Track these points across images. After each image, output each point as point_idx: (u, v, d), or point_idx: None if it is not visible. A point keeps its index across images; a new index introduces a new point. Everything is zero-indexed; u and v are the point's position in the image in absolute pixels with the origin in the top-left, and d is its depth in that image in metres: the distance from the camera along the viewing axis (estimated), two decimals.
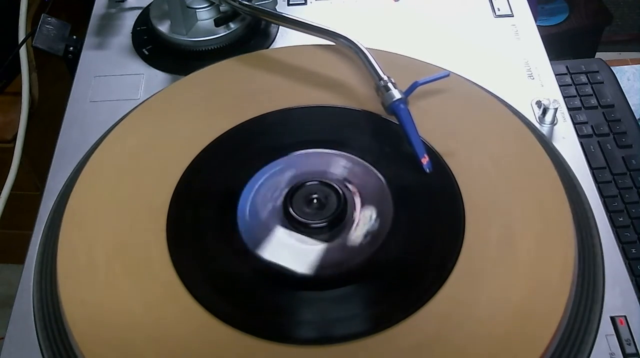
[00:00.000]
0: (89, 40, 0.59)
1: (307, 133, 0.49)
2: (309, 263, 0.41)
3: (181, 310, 0.39)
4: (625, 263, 0.43)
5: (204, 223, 0.44)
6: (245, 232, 0.43)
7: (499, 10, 0.60)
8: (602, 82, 0.65)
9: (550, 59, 0.55)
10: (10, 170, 0.57)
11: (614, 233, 0.44)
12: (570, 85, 0.64)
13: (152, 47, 0.58)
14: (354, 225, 0.43)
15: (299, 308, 0.40)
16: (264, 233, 0.43)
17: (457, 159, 0.46)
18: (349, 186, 0.45)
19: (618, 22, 1.43)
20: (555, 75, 0.54)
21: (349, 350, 0.37)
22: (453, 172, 0.45)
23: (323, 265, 0.41)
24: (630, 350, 0.39)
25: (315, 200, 0.44)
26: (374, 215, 0.43)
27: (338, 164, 0.47)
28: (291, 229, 0.43)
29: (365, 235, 0.42)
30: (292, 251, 0.42)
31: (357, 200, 0.44)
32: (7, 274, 1.15)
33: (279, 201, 0.44)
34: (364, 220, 0.43)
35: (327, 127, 0.49)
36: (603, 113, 0.63)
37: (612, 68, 0.66)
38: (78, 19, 0.65)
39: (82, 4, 0.67)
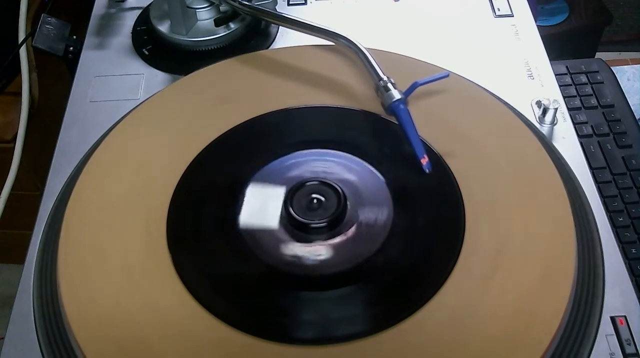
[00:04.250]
0: (89, 40, 0.59)
1: (307, 133, 0.49)
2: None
3: (181, 310, 0.39)
4: (625, 263, 0.43)
5: (204, 223, 0.44)
6: (245, 231, 0.43)
7: (499, 10, 0.60)
8: (602, 82, 0.65)
9: (550, 59, 0.55)
10: (10, 170, 0.57)
11: (614, 233, 0.44)
12: (570, 85, 0.64)
13: (152, 47, 0.58)
14: (358, 216, 0.43)
15: (300, 308, 0.40)
16: (264, 233, 0.43)
17: (457, 159, 0.46)
18: (342, 180, 0.45)
19: (618, 22, 1.43)
20: (555, 75, 0.54)
21: (349, 350, 0.37)
22: (453, 172, 0.45)
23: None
24: (630, 350, 0.39)
25: (315, 200, 0.44)
26: (374, 202, 0.44)
27: (338, 164, 0.47)
28: (291, 229, 0.43)
29: (373, 223, 0.43)
30: (290, 250, 0.42)
31: (354, 192, 0.44)
32: (7, 274, 1.15)
33: (279, 201, 0.44)
34: (366, 209, 0.44)
35: (327, 127, 0.49)
36: (603, 113, 0.62)
37: (612, 68, 0.66)
38: (78, 19, 0.65)
39: (82, 4, 0.66)
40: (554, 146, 0.49)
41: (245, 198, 0.45)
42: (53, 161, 0.50)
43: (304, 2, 0.62)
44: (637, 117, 0.63)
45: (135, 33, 0.59)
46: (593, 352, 0.39)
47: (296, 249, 0.42)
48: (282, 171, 0.46)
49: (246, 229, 0.43)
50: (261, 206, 0.44)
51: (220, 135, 0.48)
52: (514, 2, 0.61)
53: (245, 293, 0.41)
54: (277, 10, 0.57)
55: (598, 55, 1.23)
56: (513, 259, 0.41)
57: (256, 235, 0.43)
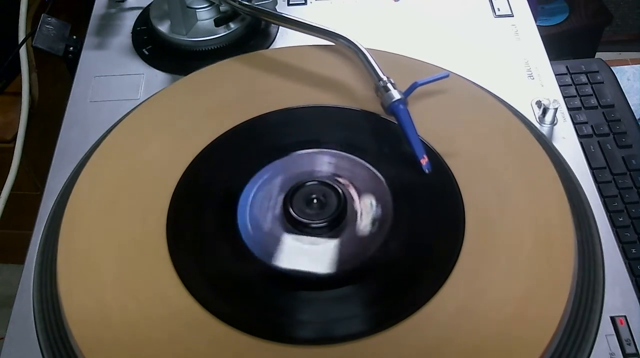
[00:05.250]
0: (89, 40, 0.59)
1: (307, 133, 0.49)
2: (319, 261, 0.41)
3: (181, 310, 0.39)
4: (625, 263, 0.43)
5: (204, 223, 0.44)
6: (245, 232, 0.43)
7: (499, 10, 0.60)
8: (602, 82, 0.65)
9: (550, 59, 0.55)
10: (10, 170, 0.57)
11: (614, 233, 0.44)
12: (570, 85, 0.64)
13: (152, 47, 0.58)
14: (358, 216, 0.43)
15: (300, 308, 0.40)
16: (264, 233, 0.43)
17: (457, 159, 0.46)
18: (342, 180, 0.45)
19: (618, 22, 1.43)
20: (555, 75, 0.54)
21: (349, 350, 0.37)
22: (453, 172, 0.45)
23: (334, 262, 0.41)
24: (630, 350, 0.39)
25: (315, 200, 0.44)
26: (374, 202, 0.43)
27: (338, 164, 0.47)
28: (291, 229, 0.43)
29: (373, 223, 0.42)
30: (290, 251, 0.42)
31: (354, 192, 0.44)
32: (7, 274, 1.15)
33: (279, 201, 0.44)
34: (366, 209, 0.43)
35: (327, 127, 0.49)
36: (603, 113, 0.62)
37: (612, 68, 0.66)
38: (78, 19, 0.65)
39: (82, 4, 0.67)
40: (554, 146, 0.49)
41: (245, 199, 0.45)
42: (53, 161, 0.50)
43: (304, 2, 0.62)
44: (637, 117, 0.63)
45: (135, 33, 0.59)
46: (593, 352, 0.39)
47: (296, 249, 0.42)
48: (281, 171, 0.46)
49: (246, 229, 0.43)
50: (261, 206, 0.44)
51: (220, 135, 0.48)
52: (514, 2, 0.61)
53: (245, 293, 0.41)
54: (277, 10, 0.57)
55: (598, 55, 1.23)
56: (513, 259, 0.41)
57: (256, 235, 0.43)
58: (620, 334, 0.39)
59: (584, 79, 0.65)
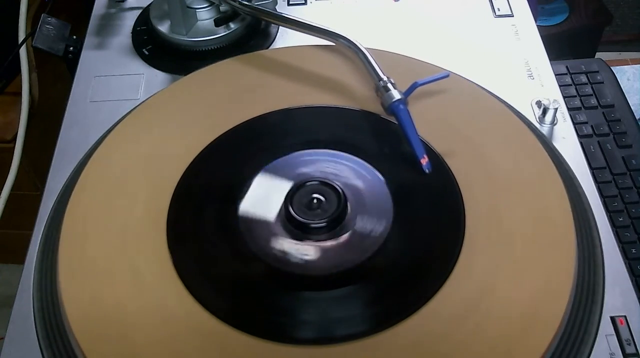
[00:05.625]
0: (89, 40, 0.59)
1: (307, 133, 0.49)
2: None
3: (181, 310, 0.39)
4: (625, 263, 0.43)
5: (204, 223, 0.44)
6: (245, 231, 0.43)
7: (499, 10, 0.60)
8: (602, 82, 0.65)
9: (550, 59, 0.55)
10: (10, 170, 0.57)
11: (614, 233, 0.44)
12: (570, 85, 0.64)
13: (152, 47, 0.58)
14: (358, 216, 0.43)
15: (300, 308, 0.40)
16: (264, 232, 0.43)
17: (457, 159, 0.46)
18: (342, 180, 0.45)
19: (618, 22, 1.43)
20: (555, 75, 0.54)
21: (349, 350, 0.37)
22: (453, 172, 0.45)
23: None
24: (630, 350, 0.39)
25: (315, 200, 0.44)
26: (374, 202, 0.43)
27: (338, 164, 0.47)
28: (291, 228, 0.43)
29: (373, 223, 0.42)
30: (290, 250, 0.42)
31: (354, 192, 0.44)
32: (7, 274, 1.15)
33: (279, 201, 0.44)
34: (366, 209, 0.43)
35: (327, 127, 0.49)
36: (603, 113, 0.62)
37: (612, 68, 0.66)
38: (78, 19, 0.65)
39: (82, 4, 0.67)
40: (554, 146, 0.49)
41: (245, 199, 0.45)
42: (53, 161, 0.50)
43: (304, 2, 0.62)
44: (637, 117, 0.63)
45: (135, 33, 0.59)
46: (593, 352, 0.39)
47: (296, 249, 0.42)
48: (281, 171, 0.46)
49: (246, 229, 0.43)
50: (261, 206, 0.44)
51: (220, 135, 0.48)
52: (514, 2, 0.61)
53: (245, 293, 0.41)
54: (277, 10, 0.57)
55: (598, 55, 1.23)
56: (513, 259, 0.41)
57: (256, 235, 0.43)
58: (620, 334, 0.39)
59: (584, 79, 0.65)
